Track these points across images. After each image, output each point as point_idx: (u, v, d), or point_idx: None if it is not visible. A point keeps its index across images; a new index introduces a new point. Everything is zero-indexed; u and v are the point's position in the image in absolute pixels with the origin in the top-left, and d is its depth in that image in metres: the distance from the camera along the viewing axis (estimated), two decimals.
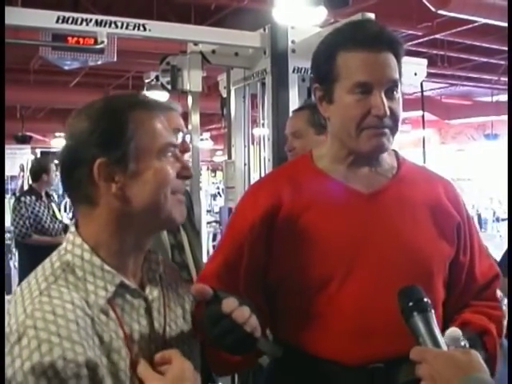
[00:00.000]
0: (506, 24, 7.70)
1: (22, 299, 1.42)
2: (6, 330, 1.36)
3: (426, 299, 1.58)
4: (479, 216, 15.46)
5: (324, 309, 1.90)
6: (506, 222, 12.20)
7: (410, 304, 1.58)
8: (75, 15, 4.44)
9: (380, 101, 1.85)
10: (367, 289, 1.88)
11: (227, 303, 1.62)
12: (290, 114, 4.05)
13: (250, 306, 1.68)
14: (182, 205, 1.60)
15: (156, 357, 1.52)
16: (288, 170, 2.13)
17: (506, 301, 2.38)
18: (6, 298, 1.66)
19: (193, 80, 5.09)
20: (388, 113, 1.86)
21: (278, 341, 2.01)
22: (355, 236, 1.91)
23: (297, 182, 2.00)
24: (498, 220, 15.15)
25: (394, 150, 2.11)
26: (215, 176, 25.66)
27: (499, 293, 2.19)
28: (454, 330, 1.64)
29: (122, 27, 4.59)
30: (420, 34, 10.11)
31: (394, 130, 1.92)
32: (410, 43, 10.62)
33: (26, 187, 11.00)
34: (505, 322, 2.21)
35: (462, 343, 1.62)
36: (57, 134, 18.94)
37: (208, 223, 12.56)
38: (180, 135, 3.00)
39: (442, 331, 1.62)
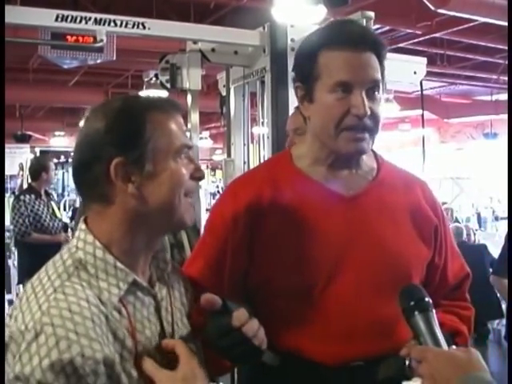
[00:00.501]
0: (505, 23, 7.71)
1: (35, 296, 1.42)
2: (21, 327, 1.36)
3: (427, 299, 1.60)
4: (479, 215, 15.45)
5: (306, 312, 1.91)
6: (505, 221, 12.19)
7: (412, 303, 1.59)
8: (74, 13, 4.43)
9: (360, 100, 1.83)
10: (349, 292, 1.89)
11: (238, 316, 1.63)
12: (290, 112, 4.05)
13: (252, 315, 1.69)
14: (192, 208, 1.63)
15: (163, 344, 1.55)
16: (267, 170, 2.10)
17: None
18: (6, 297, 1.66)
19: (192, 78, 5.09)
20: (368, 113, 1.84)
21: None
22: (337, 240, 1.91)
23: (277, 184, 1.99)
24: (497, 219, 15.14)
25: (372, 151, 2.10)
26: (215, 175, 25.66)
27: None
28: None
29: (121, 26, 4.58)
30: (419, 32, 10.10)
31: (374, 131, 1.90)
32: (410, 42, 10.64)
33: (25, 186, 10.99)
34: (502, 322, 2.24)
35: None
36: (56, 133, 18.99)
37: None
38: None
39: None
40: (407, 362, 1.67)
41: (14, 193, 15.56)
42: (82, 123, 1.58)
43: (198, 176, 1.63)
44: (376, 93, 1.88)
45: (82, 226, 1.57)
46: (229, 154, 5.57)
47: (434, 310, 1.59)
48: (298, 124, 3.52)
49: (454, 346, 1.56)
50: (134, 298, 1.53)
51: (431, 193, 2.14)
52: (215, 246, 1.99)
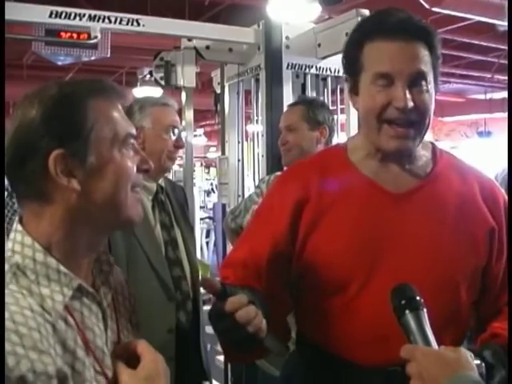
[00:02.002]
0: (499, 22, 7.71)
1: None
2: None
3: (418, 297, 1.57)
4: None
5: (342, 311, 1.88)
6: None
7: (403, 302, 1.57)
8: (68, 10, 4.43)
9: (401, 92, 1.78)
10: (386, 294, 1.78)
11: (231, 302, 1.59)
12: (284, 110, 4.05)
13: (263, 304, 1.67)
14: (139, 204, 1.48)
15: (120, 347, 1.46)
16: (321, 160, 2.06)
17: None
18: None
19: (186, 76, 5.09)
20: (410, 105, 1.78)
21: (300, 334, 2.04)
22: (378, 237, 1.87)
23: (327, 175, 1.95)
24: None
25: (431, 143, 2.05)
26: (209, 172, 25.64)
27: None
28: None
29: (115, 22, 4.58)
30: None
31: (420, 125, 1.85)
32: None
33: None
34: None
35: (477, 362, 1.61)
36: None
37: (201, 219, 12.58)
38: (175, 131, 3.00)
39: (476, 337, 1.61)
40: None
41: (7, 189, 15.52)
42: (15, 112, 1.40)
43: (144, 168, 1.48)
44: (423, 85, 1.83)
45: (17, 226, 1.40)
46: (223, 152, 5.58)
47: (425, 309, 1.56)
48: (290, 121, 3.52)
49: (443, 346, 1.55)
50: (80, 305, 1.38)
51: (493, 189, 2.01)
52: (259, 233, 1.98)
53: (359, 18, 4.60)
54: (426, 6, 7.40)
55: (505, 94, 13.67)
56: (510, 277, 1.93)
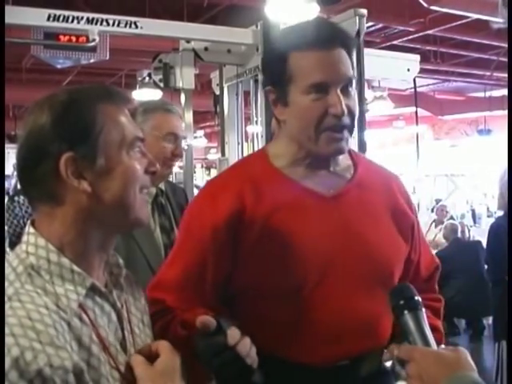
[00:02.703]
0: (497, 19, 7.71)
1: None
2: None
3: (416, 297, 1.58)
4: (473, 211, 15.47)
5: (294, 315, 1.87)
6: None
7: (401, 302, 1.58)
8: (66, 13, 4.43)
9: (337, 99, 1.80)
10: (336, 292, 1.86)
11: (233, 335, 1.60)
12: None
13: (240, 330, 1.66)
14: (147, 206, 1.54)
15: (143, 348, 1.50)
16: (245, 169, 2.03)
17: None
18: None
19: (185, 77, 5.10)
20: (346, 111, 1.81)
21: None
22: (321, 241, 1.88)
23: (257, 185, 1.92)
24: (492, 215, 15.15)
25: None
26: (209, 174, 25.64)
27: None
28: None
29: (113, 25, 4.58)
30: (412, 29, 10.11)
31: (351, 128, 1.88)
32: (403, 39, 10.64)
33: (19, 186, 10.96)
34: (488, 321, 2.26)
35: None
36: None
37: None
38: (177, 140, 2.97)
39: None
40: (389, 364, 1.68)
41: (8, 193, 15.53)
42: (26, 117, 1.45)
43: (152, 170, 1.53)
44: (350, 89, 1.86)
45: (29, 229, 1.44)
46: (223, 153, 5.58)
47: (423, 309, 1.57)
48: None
49: (442, 346, 1.56)
50: (93, 304, 1.42)
51: (405, 188, 2.13)
52: (194, 252, 1.90)
53: (357, 18, 4.61)
54: (425, 4, 7.41)
55: (504, 92, 13.66)
56: (509, 276, 1.95)
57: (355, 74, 1.92)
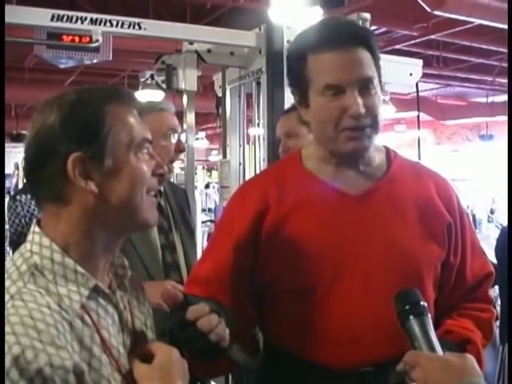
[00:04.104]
0: (501, 25, 7.71)
1: None
2: None
3: (422, 303, 1.58)
4: (474, 217, 15.46)
5: (312, 313, 1.88)
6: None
7: (407, 307, 1.57)
8: (70, 13, 4.43)
9: (353, 100, 1.81)
10: (355, 293, 1.85)
11: (192, 310, 1.62)
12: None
13: (227, 313, 1.68)
14: (155, 207, 1.53)
15: (141, 349, 1.49)
16: (276, 171, 2.10)
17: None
18: None
19: (188, 79, 5.09)
20: (363, 111, 1.81)
21: (268, 343, 2.02)
22: (342, 239, 1.88)
23: (284, 184, 1.97)
24: (493, 221, 15.13)
25: (384, 146, 2.08)
26: (211, 175, 25.65)
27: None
28: None
29: (117, 26, 4.58)
30: (416, 34, 10.12)
31: (373, 127, 1.88)
32: (406, 43, 10.64)
33: (20, 185, 10.95)
34: (496, 323, 2.18)
35: None
36: None
37: (203, 222, 12.58)
38: (175, 135, 2.99)
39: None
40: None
41: (9, 192, 15.53)
42: (35, 117, 1.45)
43: (159, 172, 1.52)
44: (371, 89, 1.86)
45: (35, 228, 1.44)
46: (224, 155, 5.57)
47: (429, 315, 1.56)
48: (287, 127, 3.50)
49: (447, 352, 1.55)
50: (96, 305, 1.42)
51: (448, 188, 2.08)
52: (223, 247, 1.96)
53: (360, 22, 4.61)
54: (428, 9, 7.41)
55: (506, 97, 13.67)
56: (509, 276, 1.95)
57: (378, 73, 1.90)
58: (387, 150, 2.07)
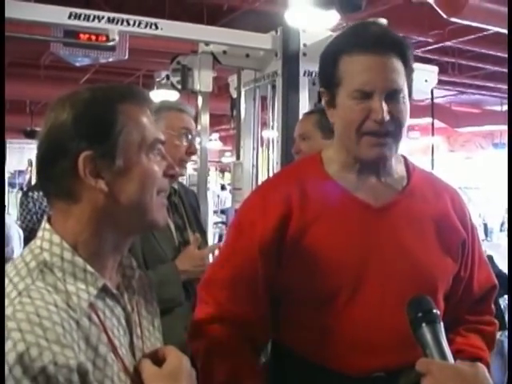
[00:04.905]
0: None
1: None
2: None
3: (435, 310, 1.57)
4: (485, 225, 15.39)
5: (330, 322, 1.88)
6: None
7: (419, 315, 1.56)
8: (87, 12, 4.45)
9: (379, 105, 1.82)
10: (373, 303, 1.87)
11: None
12: (300, 117, 4.05)
13: None
14: (164, 208, 1.52)
15: (151, 352, 1.49)
16: (297, 173, 2.07)
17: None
18: None
19: (203, 80, 5.10)
20: (387, 118, 1.82)
21: (280, 346, 2.02)
22: (363, 250, 1.89)
23: (306, 188, 1.96)
24: (504, 230, 15.07)
25: (403, 156, 2.08)
26: (223, 177, 25.66)
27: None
28: None
29: (133, 25, 4.60)
30: (431, 40, 10.10)
31: (397, 135, 1.89)
32: (421, 50, 10.62)
33: (33, 182, 10.99)
34: (504, 333, 2.21)
35: None
36: None
37: (215, 224, 12.58)
38: (189, 137, 3.00)
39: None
40: None
41: (22, 188, 15.58)
42: (48, 114, 1.44)
43: (170, 173, 1.51)
44: (399, 97, 1.86)
45: (45, 225, 1.44)
46: (238, 157, 5.58)
47: (441, 323, 1.56)
48: (303, 129, 3.50)
49: (459, 360, 1.54)
50: (103, 305, 1.41)
51: (461, 203, 2.10)
52: (246, 251, 1.94)
53: None
54: (444, 15, 7.40)
55: None
56: (510, 277, 1.95)
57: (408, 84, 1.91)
58: (406, 161, 2.08)
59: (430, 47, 10.51)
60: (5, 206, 6.49)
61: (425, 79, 5.53)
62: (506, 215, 15.49)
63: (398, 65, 1.86)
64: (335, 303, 1.87)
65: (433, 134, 8.64)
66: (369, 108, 1.83)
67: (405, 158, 2.09)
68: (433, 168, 8.90)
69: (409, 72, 1.90)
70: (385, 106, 1.82)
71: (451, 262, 1.98)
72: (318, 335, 1.90)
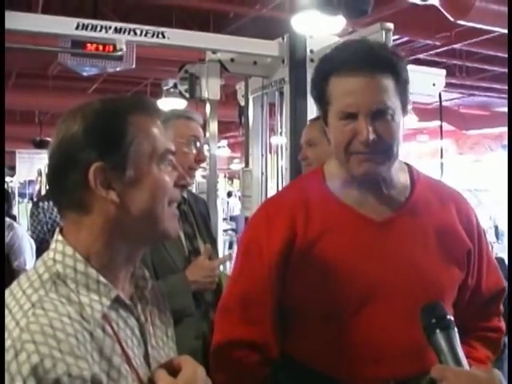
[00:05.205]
0: None
1: (9, 313, 1.30)
2: None
3: (448, 316, 1.58)
4: (496, 228, 15.34)
5: (338, 334, 1.90)
6: None
7: (433, 321, 1.56)
8: (95, 22, 4.47)
9: (364, 126, 1.83)
10: (380, 317, 1.88)
11: None
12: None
13: None
14: (176, 219, 1.53)
15: (166, 362, 1.49)
16: (301, 191, 2.08)
17: None
18: None
19: (211, 88, 5.11)
20: (372, 138, 1.82)
21: (290, 360, 2.02)
22: (368, 264, 1.91)
23: (310, 208, 1.98)
24: None
25: (407, 164, 2.09)
26: (232, 184, 25.68)
27: None
28: None
29: (140, 35, 4.61)
30: (438, 43, 10.07)
31: (387, 153, 1.90)
32: (429, 53, 10.61)
33: (43, 192, 11.01)
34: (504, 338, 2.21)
35: None
36: None
37: (224, 231, 12.59)
38: (197, 144, 3.01)
39: None
40: None
41: (32, 199, 15.61)
42: (59, 125, 1.45)
43: (182, 183, 1.53)
44: (387, 115, 1.86)
45: (58, 236, 1.44)
46: (247, 164, 5.59)
47: (455, 328, 1.56)
48: (309, 136, 3.49)
49: (474, 366, 1.54)
50: (116, 316, 1.42)
51: (468, 210, 2.11)
52: (255, 273, 1.98)
53: (383, 32, 4.60)
54: (451, 18, 7.39)
55: None
56: (509, 277, 1.95)
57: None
58: (410, 169, 2.08)
59: (437, 50, 10.48)
60: (4, 208, 6.48)
61: (432, 83, 5.51)
62: None
63: (387, 82, 1.86)
64: (342, 317, 1.90)
65: (441, 138, 8.61)
66: (355, 129, 1.85)
67: (409, 166, 2.09)
68: (442, 171, 8.88)
69: (401, 87, 1.90)
70: (370, 127, 1.83)
71: (457, 271, 1.99)
72: (327, 347, 1.91)
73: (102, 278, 1.39)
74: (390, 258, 1.91)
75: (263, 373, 1.98)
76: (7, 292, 1.38)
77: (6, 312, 1.31)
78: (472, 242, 2.04)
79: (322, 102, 1.94)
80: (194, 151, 2.99)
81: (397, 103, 1.88)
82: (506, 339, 2.20)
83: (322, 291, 1.90)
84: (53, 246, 1.44)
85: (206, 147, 3.19)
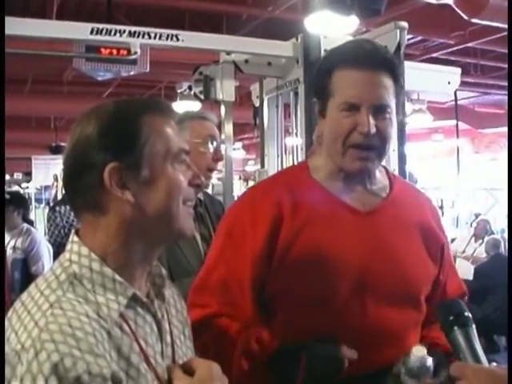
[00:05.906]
0: None
1: (28, 313, 1.31)
2: (17, 347, 1.25)
3: (466, 313, 1.58)
4: None
5: (318, 324, 1.90)
6: None
7: (451, 318, 1.56)
8: (109, 27, 4.49)
9: (365, 118, 1.87)
10: (365, 305, 1.92)
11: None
12: None
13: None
14: (191, 218, 1.52)
15: (184, 363, 1.49)
16: (285, 180, 2.12)
17: None
18: None
19: (225, 90, 5.11)
20: (373, 130, 1.87)
21: None
22: (352, 253, 1.93)
23: (295, 194, 2.00)
24: None
25: (384, 167, 2.16)
26: (247, 185, 25.68)
27: None
28: (419, 349, 1.64)
29: (155, 38, 4.63)
30: (453, 42, 10.04)
31: (380, 150, 1.96)
32: (443, 52, 10.58)
33: (59, 197, 11.05)
34: None
35: (428, 362, 1.62)
36: None
37: None
38: (214, 143, 3.01)
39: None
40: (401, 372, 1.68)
41: (48, 204, 15.68)
42: (74, 127, 1.46)
43: (196, 183, 1.52)
44: (386, 113, 1.92)
45: (73, 238, 1.45)
46: (262, 165, 5.59)
47: (473, 325, 1.55)
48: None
49: (494, 364, 1.53)
50: (134, 314, 1.42)
51: (437, 212, 2.25)
52: (236, 256, 1.98)
53: (398, 31, 4.60)
54: (465, 17, 7.37)
55: None
56: (509, 278, 1.97)
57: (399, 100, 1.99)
58: (387, 171, 2.17)
59: (451, 49, 10.45)
60: (4, 209, 6.51)
61: (448, 81, 5.51)
62: None
63: (388, 82, 1.93)
64: (329, 303, 1.91)
65: (457, 136, 8.59)
66: (356, 121, 1.89)
67: (386, 169, 2.18)
68: (459, 170, 8.87)
69: (398, 90, 1.97)
70: (371, 120, 1.88)
71: (433, 266, 2.07)
72: (311, 334, 1.89)
73: (117, 277, 1.40)
74: (376, 248, 1.95)
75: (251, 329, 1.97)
76: (25, 294, 1.39)
77: (25, 313, 1.32)
78: (445, 238, 2.17)
79: (324, 94, 1.97)
80: (211, 150, 3.00)
81: (394, 104, 1.95)
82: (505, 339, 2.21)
83: (307, 279, 1.91)
84: (68, 247, 1.45)
85: (222, 146, 3.20)
